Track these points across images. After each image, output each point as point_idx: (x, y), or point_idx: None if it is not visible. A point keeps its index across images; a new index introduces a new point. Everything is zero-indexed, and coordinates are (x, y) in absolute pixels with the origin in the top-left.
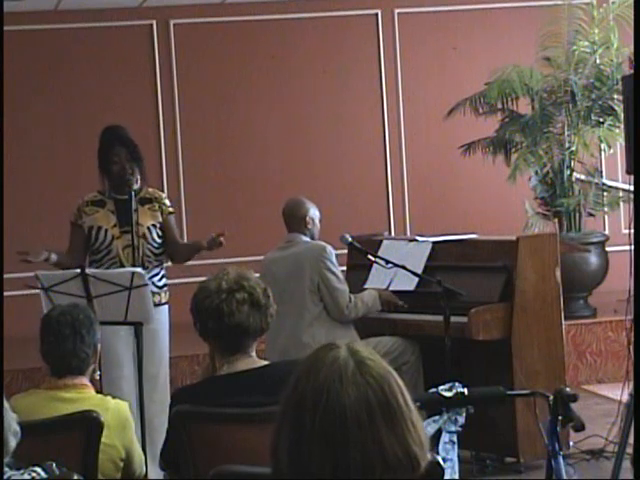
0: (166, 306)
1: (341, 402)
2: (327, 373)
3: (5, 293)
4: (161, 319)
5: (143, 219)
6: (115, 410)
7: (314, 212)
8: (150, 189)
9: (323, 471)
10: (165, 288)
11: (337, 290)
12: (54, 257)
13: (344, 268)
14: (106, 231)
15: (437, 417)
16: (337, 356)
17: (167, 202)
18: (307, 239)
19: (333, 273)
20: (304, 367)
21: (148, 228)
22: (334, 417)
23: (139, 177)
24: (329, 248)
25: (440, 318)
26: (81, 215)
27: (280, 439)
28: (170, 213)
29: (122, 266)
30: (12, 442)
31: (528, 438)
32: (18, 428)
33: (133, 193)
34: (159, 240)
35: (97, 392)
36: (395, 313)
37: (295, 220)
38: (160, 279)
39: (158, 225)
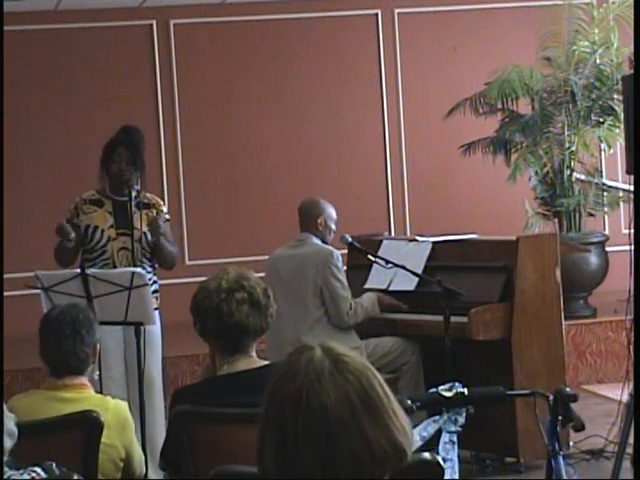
0: (157, 311)
1: (322, 402)
2: (304, 375)
3: (5, 293)
4: (155, 319)
5: (140, 223)
6: (115, 410)
7: (329, 214)
8: (149, 194)
9: (312, 473)
10: (156, 294)
11: (340, 297)
12: (74, 238)
13: (344, 268)
14: (102, 231)
15: (437, 417)
16: (312, 357)
17: (164, 209)
18: (317, 241)
19: (338, 279)
20: (280, 372)
21: (144, 233)
22: (316, 418)
23: (138, 181)
24: (336, 254)
25: (440, 318)
26: (78, 213)
27: (264, 448)
28: (165, 220)
29: (115, 268)
30: (7, 442)
31: (528, 438)
32: (15, 429)
33: (133, 194)
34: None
35: (96, 392)
36: (395, 313)
37: (307, 220)
38: (152, 284)
39: None
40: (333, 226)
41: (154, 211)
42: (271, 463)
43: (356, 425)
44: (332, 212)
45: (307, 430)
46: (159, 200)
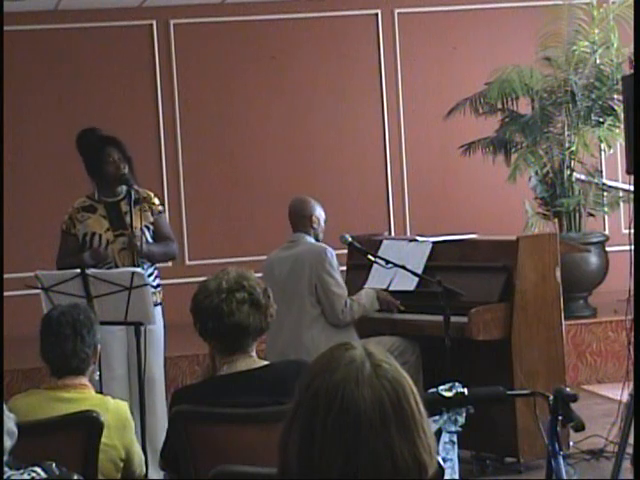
0: (160, 306)
1: (356, 403)
2: (343, 373)
3: (5, 293)
4: (157, 319)
5: (135, 221)
6: (115, 410)
7: (319, 212)
8: (140, 189)
9: (331, 471)
10: (159, 288)
11: (334, 294)
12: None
13: (344, 268)
14: (100, 236)
15: (437, 417)
16: (354, 356)
17: (156, 201)
18: (311, 239)
19: (331, 276)
20: (319, 365)
21: (141, 229)
22: (347, 418)
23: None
24: (330, 250)
25: (440, 318)
26: (74, 224)
27: (290, 437)
28: (160, 212)
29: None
30: (7, 442)
31: (528, 438)
32: (14, 428)
33: (132, 194)
34: (152, 241)
35: (97, 392)
36: (392, 313)
37: (300, 219)
38: (154, 279)
39: (150, 226)
40: (323, 223)
41: (146, 205)
42: (294, 457)
43: (384, 432)
44: (322, 211)
45: (336, 428)
46: (149, 193)
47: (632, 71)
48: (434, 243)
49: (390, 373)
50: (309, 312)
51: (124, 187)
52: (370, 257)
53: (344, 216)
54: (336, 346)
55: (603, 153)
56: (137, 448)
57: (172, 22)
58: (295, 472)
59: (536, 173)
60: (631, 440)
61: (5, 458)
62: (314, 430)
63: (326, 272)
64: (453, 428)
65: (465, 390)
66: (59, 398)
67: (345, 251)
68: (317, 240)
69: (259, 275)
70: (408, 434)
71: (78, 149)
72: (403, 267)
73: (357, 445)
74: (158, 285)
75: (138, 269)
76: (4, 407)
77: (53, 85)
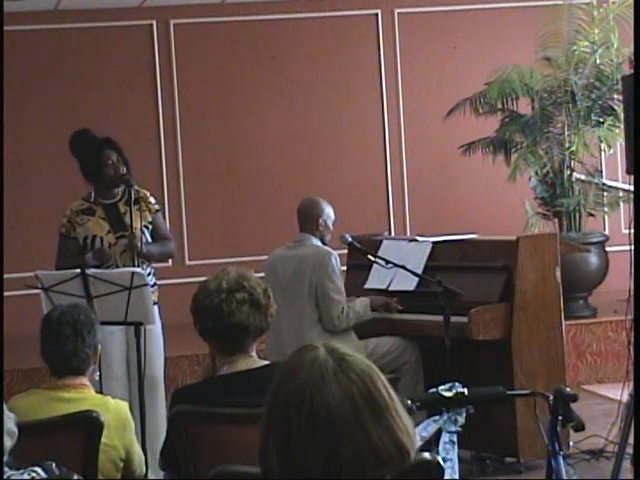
0: (157, 305)
1: (326, 401)
2: (308, 373)
3: (5, 293)
4: (155, 318)
5: (135, 221)
6: (115, 410)
7: (328, 213)
8: (138, 189)
9: (315, 472)
10: (155, 287)
11: (332, 300)
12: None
13: (344, 268)
14: (102, 239)
15: (437, 417)
16: (316, 356)
17: (152, 200)
18: (317, 242)
19: (332, 282)
20: (284, 370)
21: (141, 230)
22: (320, 417)
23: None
24: (335, 256)
25: (440, 318)
26: (74, 227)
27: (268, 443)
28: (157, 211)
29: None
30: (7, 442)
31: (528, 438)
32: (14, 428)
33: (132, 192)
34: (151, 240)
35: (97, 392)
36: (390, 313)
37: (307, 220)
38: (152, 278)
39: (149, 225)
40: (331, 226)
41: (143, 205)
42: (275, 462)
43: (359, 425)
44: (331, 212)
45: (311, 429)
46: (145, 192)
47: (632, 71)
48: (434, 243)
49: (355, 365)
50: (309, 315)
51: (121, 187)
52: (370, 257)
53: (344, 216)
54: (297, 350)
55: (603, 153)
56: (137, 448)
57: (172, 22)
58: (277, 473)
59: (536, 173)
60: (631, 440)
61: (5, 458)
62: (290, 435)
63: (327, 277)
64: (453, 428)
65: (465, 390)
66: (59, 398)
67: (345, 251)
68: (322, 241)
69: (259, 275)
70: (383, 421)
71: (73, 151)
72: (403, 267)
73: (335, 443)
74: (155, 284)
75: (138, 269)
76: (4, 407)
77: (53, 85)
